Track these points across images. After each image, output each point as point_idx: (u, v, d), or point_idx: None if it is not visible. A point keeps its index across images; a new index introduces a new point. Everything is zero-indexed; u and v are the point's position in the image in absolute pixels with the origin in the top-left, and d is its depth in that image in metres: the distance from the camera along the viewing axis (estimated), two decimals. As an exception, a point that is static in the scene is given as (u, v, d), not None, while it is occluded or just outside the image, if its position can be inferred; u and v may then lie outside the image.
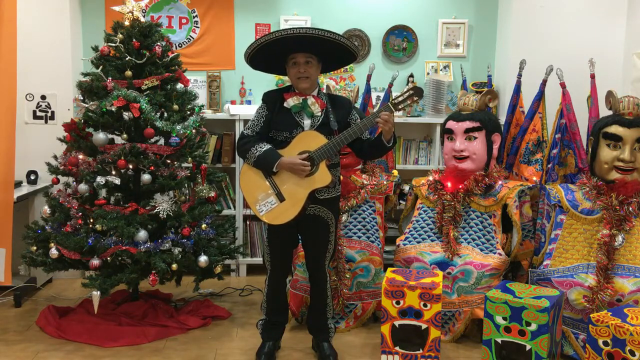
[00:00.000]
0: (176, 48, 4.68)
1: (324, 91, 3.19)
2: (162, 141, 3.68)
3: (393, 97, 3.05)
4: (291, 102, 3.01)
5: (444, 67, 4.88)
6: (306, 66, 2.98)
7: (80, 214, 3.50)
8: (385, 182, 3.84)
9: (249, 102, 4.74)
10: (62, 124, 3.67)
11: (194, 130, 3.66)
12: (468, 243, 3.57)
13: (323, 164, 2.96)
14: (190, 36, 4.76)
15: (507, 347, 2.95)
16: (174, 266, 3.42)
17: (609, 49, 4.42)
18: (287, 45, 2.95)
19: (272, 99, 3.07)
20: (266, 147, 2.98)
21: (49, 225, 3.58)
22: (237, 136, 4.45)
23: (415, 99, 3.00)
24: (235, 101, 4.75)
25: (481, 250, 3.53)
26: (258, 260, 4.65)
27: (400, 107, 3.00)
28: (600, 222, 3.29)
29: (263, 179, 3.02)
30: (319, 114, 3.03)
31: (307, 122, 3.02)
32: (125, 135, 3.48)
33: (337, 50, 3.00)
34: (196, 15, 4.75)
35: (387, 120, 2.92)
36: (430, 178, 3.80)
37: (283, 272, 3.24)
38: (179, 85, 3.72)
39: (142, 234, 3.41)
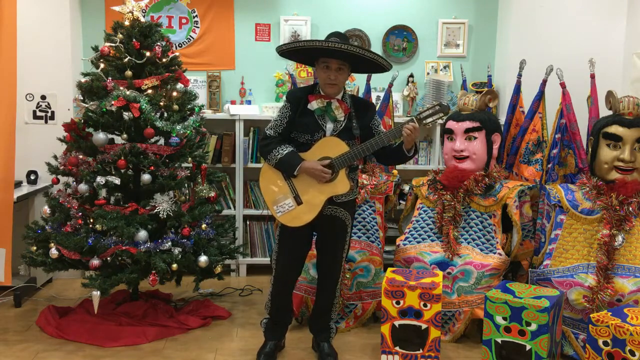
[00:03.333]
0: (176, 48, 4.68)
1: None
2: (162, 141, 3.68)
3: (419, 111, 3.06)
4: (315, 104, 3.00)
5: (444, 67, 4.88)
6: (337, 73, 2.97)
7: (80, 214, 3.50)
8: (385, 182, 3.84)
9: (249, 102, 4.74)
10: (62, 124, 3.66)
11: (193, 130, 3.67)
12: (468, 243, 3.57)
13: (343, 172, 2.97)
14: (190, 36, 4.76)
15: (507, 347, 2.95)
16: (174, 266, 3.42)
17: (609, 49, 4.42)
18: (321, 49, 2.93)
19: (297, 99, 3.05)
20: (288, 149, 2.98)
21: (49, 225, 3.58)
22: (238, 136, 4.49)
23: (441, 115, 3.01)
24: (235, 101, 4.75)
25: (481, 250, 3.53)
26: (258, 260, 4.66)
27: (425, 122, 3.00)
28: (600, 222, 3.29)
29: (282, 181, 3.02)
30: (342, 118, 3.02)
31: (329, 126, 3.02)
32: (125, 135, 3.48)
33: (370, 62, 3.00)
34: (196, 15, 4.75)
35: (413, 132, 2.93)
36: (431, 178, 3.80)
37: (294, 273, 3.21)
38: (179, 85, 3.72)
39: (142, 234, 3.41)
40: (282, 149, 2.97)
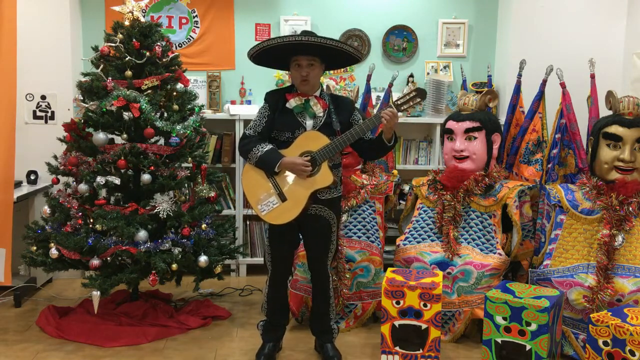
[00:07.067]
0: (176, 48, 4.68)
1: (326, 91, 3.20)
2: (162, 141, 3.68)
3: (396, 98, 3.06)
4: (293, 102, 3.02)
5: (444, 67, 4.88)
6: (309, 69, 2.98)
7: (80, 214, 3.50)
8: (385, 182, 3.84)
9: (249, 102, 4.74)
10: (62, 124, 3.67)
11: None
12: (468, 243, 3.57)
13: (325, 165, 2.96)
14: (190, 36, 4.76)
15: (507, 347, 2.95)
16: (174, 266, 3.42)
17: (609, 49, 4.42)
18: (290, 48, 2.95)
19: (275, 99, 3.07)
20: (268, 147, 2.98)
21: (49, 225, 3.58)
22: (238, 136, 4.48)
23: (418, 100, 3.01)
24: (235, 101, 4.75)
25: (481, 250, 3.53)
26: (258, 260, 4.65)
27: (402, 108, 3.00)
28: (600, 222, 3.29)
29: (265, 179, 3.02)
30: (321, 114, 3.03)
31: (309, 123, 3.02)
32: (125, 135, 3.48)
33: (340, 53, 3.01)
34: (196, 15, 4.75)
35: (392, 118, 2.92)
36: (430, 178, 3.80)
37: (284, 273, 3.23)
38: (179, 85, 3.72)
39: (142, 234, 3.41)
40: (261, 147, 2.97)
